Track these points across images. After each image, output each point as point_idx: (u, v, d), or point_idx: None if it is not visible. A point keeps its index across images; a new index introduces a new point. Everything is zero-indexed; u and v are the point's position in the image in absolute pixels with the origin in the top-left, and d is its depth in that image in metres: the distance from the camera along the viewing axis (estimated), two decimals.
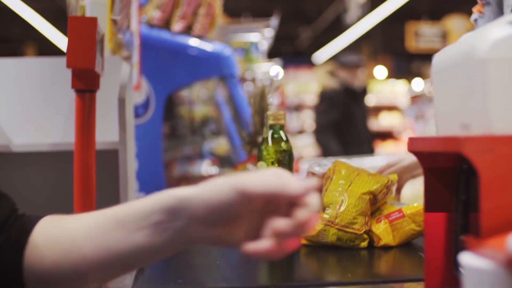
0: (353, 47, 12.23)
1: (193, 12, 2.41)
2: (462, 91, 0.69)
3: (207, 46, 2.45)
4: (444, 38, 8.01)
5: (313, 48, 13.85)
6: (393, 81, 8.68)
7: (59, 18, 10.58)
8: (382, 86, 8.06)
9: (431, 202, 0.80)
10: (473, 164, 0.63)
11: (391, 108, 7.46)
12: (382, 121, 7.36)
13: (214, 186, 0.64)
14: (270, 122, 1.25)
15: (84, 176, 1.28)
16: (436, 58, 0.77)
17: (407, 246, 1.14)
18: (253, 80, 3.20)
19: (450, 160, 0.77)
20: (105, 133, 1.37)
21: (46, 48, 12.50)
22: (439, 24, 8.51)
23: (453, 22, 8.16)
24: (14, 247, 0.72)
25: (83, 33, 1.19)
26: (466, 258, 0.57)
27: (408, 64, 12.13)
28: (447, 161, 0.78)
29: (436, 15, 9.23)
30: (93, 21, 1.21)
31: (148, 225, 0.66)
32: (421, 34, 8.28)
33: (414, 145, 0.80)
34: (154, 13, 2.31)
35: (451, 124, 0.73)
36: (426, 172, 0.79)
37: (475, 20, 1.11)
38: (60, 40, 11.24)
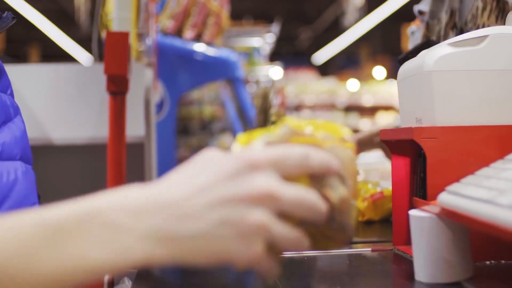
0: (353, 47, 12.46)
1: (203, 21, 2.65)
2: (416, 93, 0.93)
3: (215, 52, 2.69)
4: None
5: (313, 48, 14.06)
6: (392, 81, 8.89)
7: (61, 19, 10.78)
8: (380, 86, 8.29)
9: (398, 179, 1.03)
10: (422, 148, 0.87)
11: (388, 108, 7.70)
12: (379, 121, 7.59)
13: None
14: (273, 119, 1.49)
15: (116, 166, 1.51)
16: (400, 69, 1.01)
17: (387, 221, 1.38)
18: (256, 82, 3.44)
19: (412, 146, 1.01)
20: (133, 128, 1.61)
21: (50, 49, 12.71)
22: None
23: None
24: None
25: (118, 45, 1.44)
26: (414, 212, 0.81)
27: None
28: (409, 147, 1.01)
29: None
30: (125, 35, 1.45)
31: None
32: None
33: (384, 135, 1.04)
34: (168, 23, 2.55)
35: (409, 119, 0.97)
36: (394, 156, 1.03)
37: (412, 33, 1.37)
38: (63, 40, 11.43)
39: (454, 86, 0.88)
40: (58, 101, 1.67)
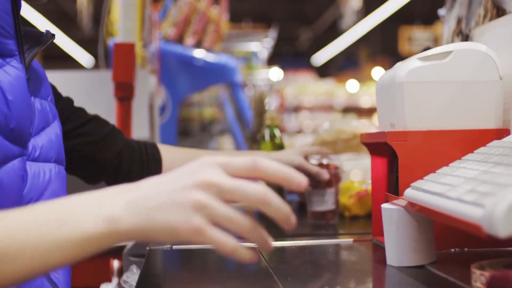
0: (352, 48, 12.58)
1: (203, 29, 2.78)
2: (390, 101, 1.05)
3: (215, 58, 2.82)
4: (436, 42, 8.38)
5: (313, 49, 14.17)
6: None
7: (62, 20, 10.90)
8: None
9: (376, 178, 1.16)
10: (394, 149, 1.00)
11: None
12: (376, 122, 7.69)
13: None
14: (268, 123, 1.62)
15: None
16: (378, 80, 1.14)
17: (371, 215, 1.50)
18: (254, 85, 3.57)
19: (388, 148, 1.13)
20: (138, 131, 1.73)
21: (51, 50, 12.82)
22: (431, 29, 8.87)
23: None
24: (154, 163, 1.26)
25: (125, 55, 1.56)
26: (385, 205, 0.93)
27: None
28: (386, 149, 1.13)
29: (431, 19, 9.59)
30: (131, 46, 1.57)
31: None
32: (414, 38, 8.64)
33: (363, 138, 1.16)
34: (170, 30, 2.68)
35: (385, 124, 1.09)
36: (373, 157, 1.16)
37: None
38: (63, 41, 11.53)
39: (423, 95, 1.00)
40: None
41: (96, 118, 1.27)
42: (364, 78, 10.48)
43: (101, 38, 2.20)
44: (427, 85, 1.00)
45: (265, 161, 0.62)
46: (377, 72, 11.87)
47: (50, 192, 0.89)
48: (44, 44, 0.95)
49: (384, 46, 12.29)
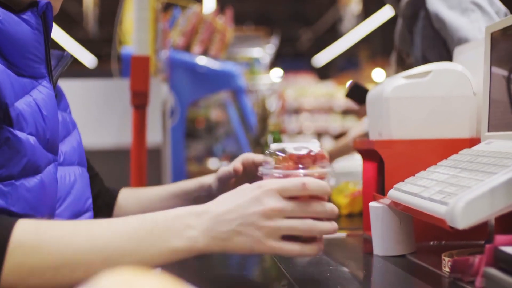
0: (353, 49, 12.71)
1: (209, 38, 2.93)
2: (378, 113, 1.21)
3: (220, 65, 2.98)
4: None
5: (314, 50, 14.28)
6: None
7: (63, 19, 11.03)
8: None
9: (367, 180, 1.31)
10: (381, 156, 1.15)
11: None
12: None
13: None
14: (271, 128, 1.77)
15: (139, 169, 1.79)
16: (368, 94, 1.29)
17: None
18: (257, 90, 3.72)
19: (377, 154, 1.28)
20: (152, 136, 1.88)
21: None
22: None
23: None
24: (107, 208, 1.26)
25: (141, 67, 1.71)
26: (372, 204, 1.09)
27: None
28: (376, 155, 1.29)
29: None
30: (147, 59, 1.72)
31: (191, 198, 1.24)
32: None
33: (356, 145, 1.32)
34: (178, 39, 2.83)
35: (374, 133, 1.25)
36: (364, 162, 1.31)
37: None
38: (66, 42, 11.63)
39: (406, 109, 1.16)
40: (88, 111, 1.94)
41: None
42: (364, 80, 10.59)
43: (114, 46, 2.35)
44: (410, 100, 1.16)
45: (311, 181, 0.79)
46: (378, 73, 11.94)
47: (76, 191, 1.02)
48: (66, 65, 1.09)
49: (384, 47, 12.40)
